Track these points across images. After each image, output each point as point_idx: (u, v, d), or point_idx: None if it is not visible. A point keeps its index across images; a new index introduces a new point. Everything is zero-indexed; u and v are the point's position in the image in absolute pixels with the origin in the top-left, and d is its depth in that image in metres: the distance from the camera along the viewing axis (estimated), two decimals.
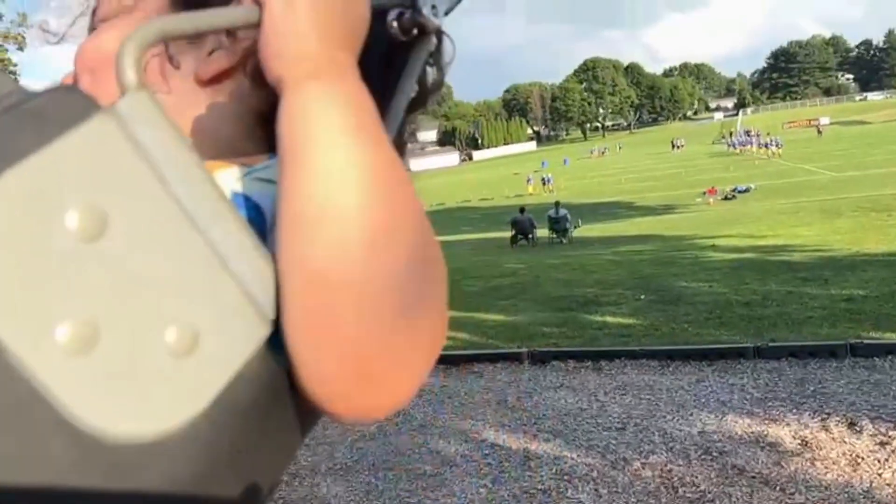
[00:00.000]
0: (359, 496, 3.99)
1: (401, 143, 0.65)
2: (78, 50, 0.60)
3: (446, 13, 0.62)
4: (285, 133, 0.42)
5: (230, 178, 0.46)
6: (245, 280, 0.38)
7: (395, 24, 0.57)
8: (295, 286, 0.39)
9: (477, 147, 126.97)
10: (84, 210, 0.33)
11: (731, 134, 74.68)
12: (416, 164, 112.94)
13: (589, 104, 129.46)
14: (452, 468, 4.19)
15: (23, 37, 17.61)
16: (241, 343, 0.38)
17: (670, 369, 5.42)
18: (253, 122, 0.56)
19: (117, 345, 0.33)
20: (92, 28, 0.62)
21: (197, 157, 0.38)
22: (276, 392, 0.40)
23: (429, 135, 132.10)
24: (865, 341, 5.24)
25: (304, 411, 0.43)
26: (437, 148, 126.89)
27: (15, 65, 17.80)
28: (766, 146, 50.02)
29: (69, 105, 0.35)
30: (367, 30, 0.49)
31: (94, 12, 0.62)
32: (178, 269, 0.36)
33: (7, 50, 17.52)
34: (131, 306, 0.34)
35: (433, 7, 0.57)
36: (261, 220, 0.45)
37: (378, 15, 0.57)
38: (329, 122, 0.41)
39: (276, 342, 0.40)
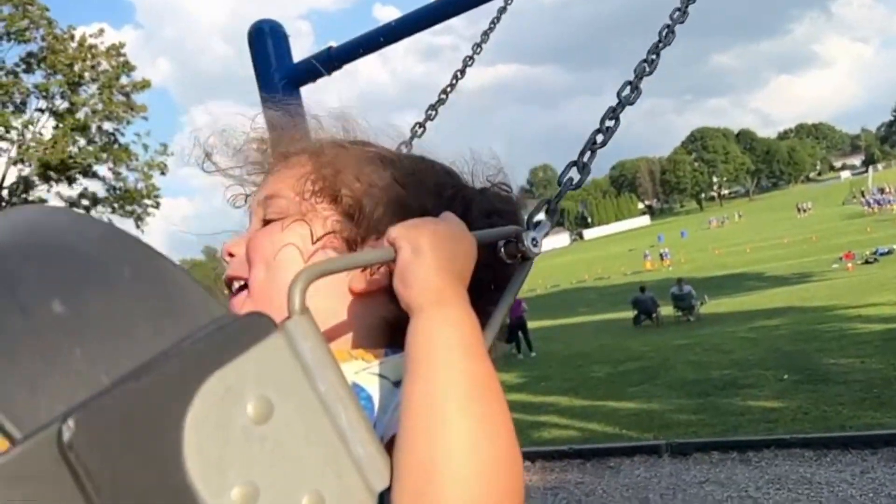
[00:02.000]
0: None
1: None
2: (255, 237, 0.74)
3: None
4: (412, 348, 0.55)
5: (351, 370, 0.60)
6: (360, 460, 0.51)
7: (503, 249, 0.74)
8: (403, 471, 0.50)
9: (587, 226, 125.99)
10: (258, 401, 0.48)
11: (862, 193, 69.93)
12: None
13: (701, 174, 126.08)
14: None
15: (165, 164, 19.79)
16: None
17: (828, 459, 4.98)
18: (379, 325, 0.71)
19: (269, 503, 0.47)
20: (262, 197, 0.77)
21: (334, 362, 0.53)
22: None
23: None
24: None
25: None
26: None
27: (158, 189, 20.02)
28: None
29: (258, 325, 0.51)
30: (474, 261, 0.63)
31: (264, 198, 0.76)
32: (315, 449, 0.50)
33: (153, 176, 19.73)
34: (282, 476, 0.48)
35: (534, 240, 0.73)
36: (371, 408, 0.62)
37: (489, 245, 0.73)
38: (444, 342, 0.54)
39: None
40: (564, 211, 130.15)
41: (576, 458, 6.15)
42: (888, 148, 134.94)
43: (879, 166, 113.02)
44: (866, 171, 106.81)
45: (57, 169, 17.71)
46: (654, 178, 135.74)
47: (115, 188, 19.30)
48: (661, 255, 44.11)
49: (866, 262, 26.40)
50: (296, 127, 0.83)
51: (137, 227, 19.44)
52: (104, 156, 18.61)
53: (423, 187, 0.74)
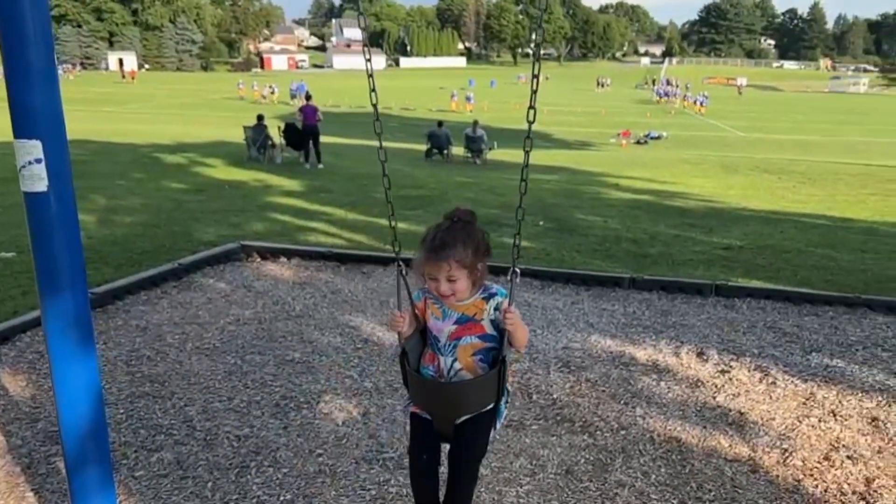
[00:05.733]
0: (219, 376, 3.94)
1: None
2: (458, 285, 2.11)
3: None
4: (518, 330, 2.12)
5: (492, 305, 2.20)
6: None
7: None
8: (518, 343, 2.15)
9: (405, 54, 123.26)
10: None
11: (653, 81, 76.00)
12: (340, 61, 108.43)
13: (523, 28, 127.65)
14: (322, 357, 4.21)
15: None
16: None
17: (550, 290, 5.63)
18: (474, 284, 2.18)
19: None
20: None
21: None
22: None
23: (356, 32, 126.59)
24: (730, 283, 5.61)
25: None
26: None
27: None
28: (694, 101, 50.49)
29: None
30: None
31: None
32: None
33: None
34: None
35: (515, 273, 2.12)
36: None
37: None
38: (522, 328, 2.15)
39: None
40: (385, 32, 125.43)
41: (333, 260, 6.30)
42: (686, 45, 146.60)
43: (674, 60, 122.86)
44: (663, 63, 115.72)
45: None
46: (479, 21, 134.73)
47: None
48: (467, 98, 44.86)
49: (638, 142, 29.35)
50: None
51: None
52: None
53: (483, 244, 2.11)
